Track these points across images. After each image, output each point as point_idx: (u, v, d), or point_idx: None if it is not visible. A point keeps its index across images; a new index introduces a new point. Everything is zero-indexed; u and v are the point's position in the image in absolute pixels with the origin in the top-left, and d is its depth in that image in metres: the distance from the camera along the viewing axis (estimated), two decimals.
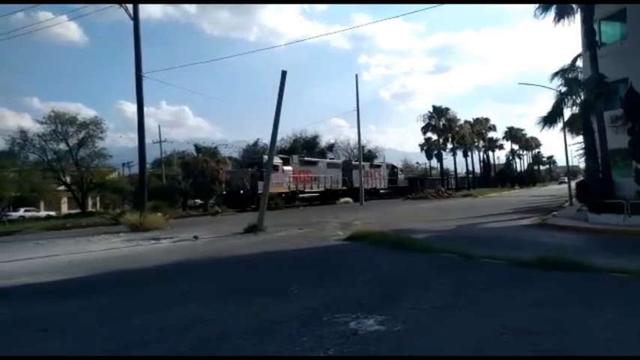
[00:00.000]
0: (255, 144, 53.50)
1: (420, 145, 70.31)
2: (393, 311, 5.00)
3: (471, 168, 74.52)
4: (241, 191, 30.49)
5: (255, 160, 35.27)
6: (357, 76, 35.39)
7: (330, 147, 59.21)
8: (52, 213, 39.51)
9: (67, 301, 6.38)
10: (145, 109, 19.11)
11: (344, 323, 4.62)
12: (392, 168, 51.03)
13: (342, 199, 37.76)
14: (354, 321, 4.67)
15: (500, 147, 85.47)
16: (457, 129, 67.06)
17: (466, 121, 71.74)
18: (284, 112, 15.92)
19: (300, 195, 35.43)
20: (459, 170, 72.32)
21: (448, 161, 71.91)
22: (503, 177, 77.00)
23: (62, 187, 39.07)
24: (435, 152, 68.03)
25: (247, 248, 11.05)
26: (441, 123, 65.48)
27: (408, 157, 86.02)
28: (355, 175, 40.35)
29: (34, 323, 5.17)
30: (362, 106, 34.51)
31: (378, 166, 48.19)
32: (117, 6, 18.71)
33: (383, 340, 4.10)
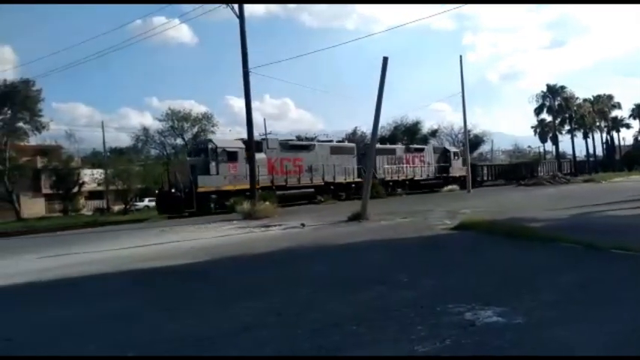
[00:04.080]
0: (354, 133, 53.73)
1: (533, 128, 65.77)
2: (512, 303, 4.73)
3: (591, 151, 68.18)
4: (173, 189, 23.34)
5: (201, 146, 26.27)
6: (461, 57, 33.66)
7: (433, 133, 57.67)
8: None
9: (192, 283, 6.95)
10: (252, 103, 20.05)
11: (459, 314, 4.47)
12: (443, 152, 40.18)
13: (447, 187, 36.24)
14: (469, 312, 4.50)
15: (627, 126, 76.84)
16: (575, 108, 61.70)
17: (585, 100, 65.67)
18: (384, 98, 15.70)
19: (280, 192, 25.30)
20: (577, 153, 66.50)
21: (565, 144, 66.52)
22: (630, 160, 69.24)
23: None
24: (550, 135, 63.20)
25: (353, 236, 11.15)
26: (555, 103, 60.68)
27: (518, 140, 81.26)
28: (380, 163, 32.26)
29: (161, 303, 5.68)
30: (467, 88, 32.72)
31: (420, 150, 37.79)
32: (224, 6, 19.78)
33: (504, 333, 3.89)
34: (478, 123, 64.45)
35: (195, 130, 41.19)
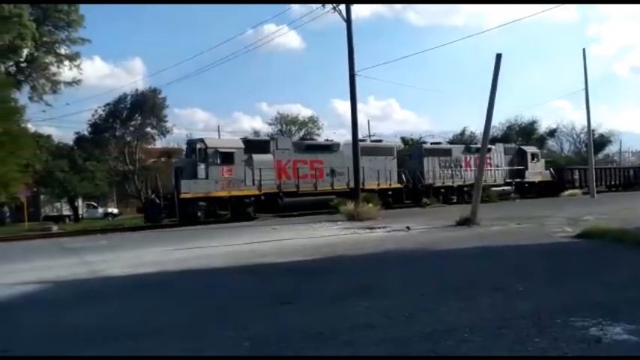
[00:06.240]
0: (463, 133, 51.80)
1: None
2: None
3: None
4: (153, 196, 20.58)
5: (192, 146, 21.81)
6: (584, 50, 30.97)
7: (552, 132, 53.57)
8: None
9: (307, 278, 7.27)
10: (357, 105, 20.29)
11: (582, 328, 4.15)
12: (517, 153, 34.16)
13: (567, 192, 33.42)
14: (595, 327, 4.17)
15: None
16: None
17: None
18: (496, 97, 14.94)
19: (289, 199, 22.47)
20: None
21: None
22: None
23: None
24: None
25: (462, 241, 10.80)
26: None
27: None
28: (429, 166, 28.37)
29: (276, 297, 5.96)
30: (591, 83, 29.58)
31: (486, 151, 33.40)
32: (331, 10, 20.27)
33: (637, 352, 3.56)
34: (603, 121, 58.54)
35: (302, 132, 42.77)
